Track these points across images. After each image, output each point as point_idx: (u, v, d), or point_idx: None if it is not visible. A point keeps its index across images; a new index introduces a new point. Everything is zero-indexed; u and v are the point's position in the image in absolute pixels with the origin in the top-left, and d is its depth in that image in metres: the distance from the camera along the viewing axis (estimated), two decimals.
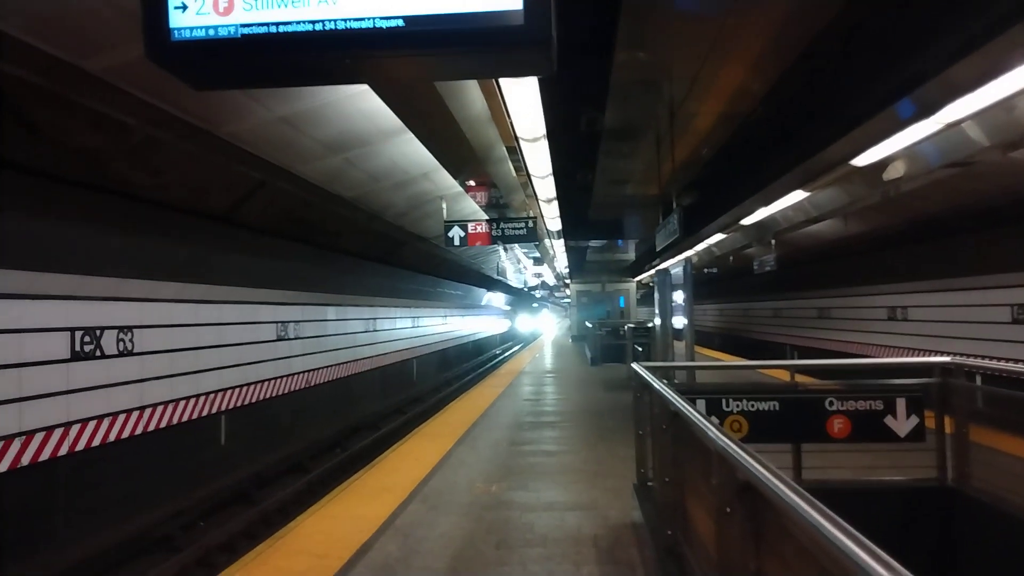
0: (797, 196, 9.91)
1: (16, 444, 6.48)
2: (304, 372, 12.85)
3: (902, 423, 4.55)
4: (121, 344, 7.95)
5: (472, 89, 5.42)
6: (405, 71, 2.21)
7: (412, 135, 7.08)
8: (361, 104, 6.07)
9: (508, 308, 38.96)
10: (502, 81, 4.74)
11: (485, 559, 4.08)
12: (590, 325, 18.44)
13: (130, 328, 8.10)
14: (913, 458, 4.69)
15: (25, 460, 6.59)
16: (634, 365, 4.62)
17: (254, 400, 10.91)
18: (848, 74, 6.89)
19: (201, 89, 2.38)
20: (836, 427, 4.57)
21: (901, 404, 4.57)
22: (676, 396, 2.99)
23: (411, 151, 7.92)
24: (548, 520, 4.78)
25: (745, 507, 1.94)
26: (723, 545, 2.12)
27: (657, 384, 3.59)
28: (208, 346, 9.66)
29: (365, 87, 5.49)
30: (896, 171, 8.12)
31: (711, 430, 2.18)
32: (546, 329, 52.19)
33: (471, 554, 4.15)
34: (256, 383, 10.99)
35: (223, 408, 10.03)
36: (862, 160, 7.42)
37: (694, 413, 2.53)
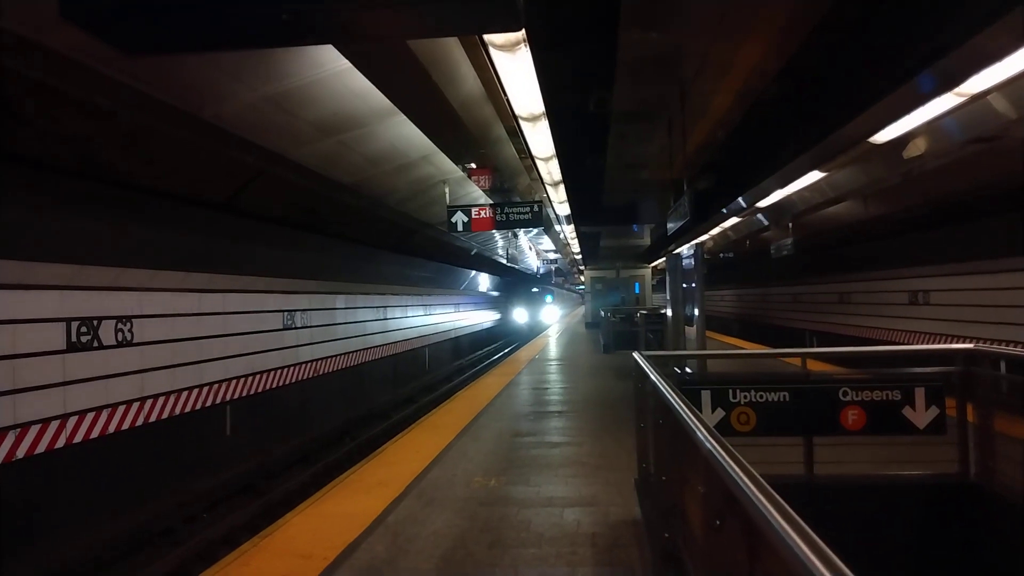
0: (814, 176, 9.56)
1: (11, 437, 6.39)
2: (312, 361, 12.74)
3: (921, 414, 4.28)
4: (120, 334, 7.84)
5: (462, 63, 5.14)
6: (354, 27, 1.98)
7: (406, 116, 6.80)
8: (349, 82, 5.80)
9: (506, 295, 38.54)
10: (493, 54, 4.47)
11: (476, 560, 3.88)
12: (604, 313, 18.16)
13: (129, 318, 7.98)
14: (933, 451, 4.43)
15: (20, 453, 6.50)
16: (634, 354, 4.37)
17: (260, 389, 10.80)
18: (867, 46, 6.54)
19: (134, 54, 2.17)
20: (850, 418, 4.31)
21: (920, 394, 4.30)
22: (668, 389, 2.74)
23: (408, 133, 7.67)
24: (546, 517, 4.57)
25: (736, 523, 1.69)
26: (713, 563, 1.87)
27: (653, 375, 3.34)
28: (211, 335, 9.54)
29: (348, 64, 5.23)
30: (917, 148, 7.75)
31: (699, 431, 1.93)
32: (556, 317, 51.61)
33: (461, 555, 3.94)
34: (262, 372, 10.87)
35: (227, 398, 9.92)
36: (882, 137, 7.09)
37: (683, 409, 2.28)
